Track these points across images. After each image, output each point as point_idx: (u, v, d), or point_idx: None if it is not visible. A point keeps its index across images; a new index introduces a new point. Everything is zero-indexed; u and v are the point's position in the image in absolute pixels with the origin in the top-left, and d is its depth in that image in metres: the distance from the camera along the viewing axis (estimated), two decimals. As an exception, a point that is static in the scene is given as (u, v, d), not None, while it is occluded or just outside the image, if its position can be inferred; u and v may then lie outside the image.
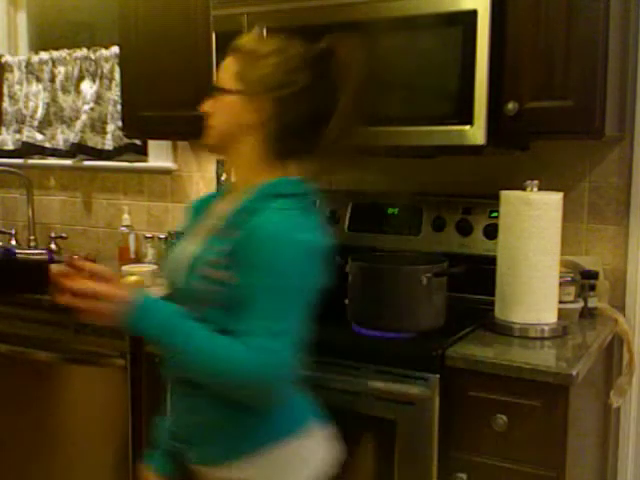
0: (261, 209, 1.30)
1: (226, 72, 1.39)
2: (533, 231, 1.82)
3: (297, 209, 1.32)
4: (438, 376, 1.69)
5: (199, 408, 1.37)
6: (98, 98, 2.97)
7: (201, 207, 1.51)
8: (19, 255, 2.96)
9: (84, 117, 2.98)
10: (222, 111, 1.39)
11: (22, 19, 3.37)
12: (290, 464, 1.37)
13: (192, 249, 1.39)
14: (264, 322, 1.24)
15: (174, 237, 1.63)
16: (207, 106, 1.42)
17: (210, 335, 1.28)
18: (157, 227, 2.95)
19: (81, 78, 3.01)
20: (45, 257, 2.89)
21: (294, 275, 1.27)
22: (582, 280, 2.04)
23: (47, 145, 3.14)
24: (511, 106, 1.84)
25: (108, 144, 2.95)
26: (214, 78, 1.45)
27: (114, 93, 2.90)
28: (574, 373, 1.59)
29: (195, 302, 1.33)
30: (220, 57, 2.15)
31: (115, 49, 2.82)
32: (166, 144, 2.91)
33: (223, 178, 2.76)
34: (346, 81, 1.36)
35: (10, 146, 3.22)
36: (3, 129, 3.25)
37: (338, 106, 1.35)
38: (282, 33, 1.42)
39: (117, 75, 2.84)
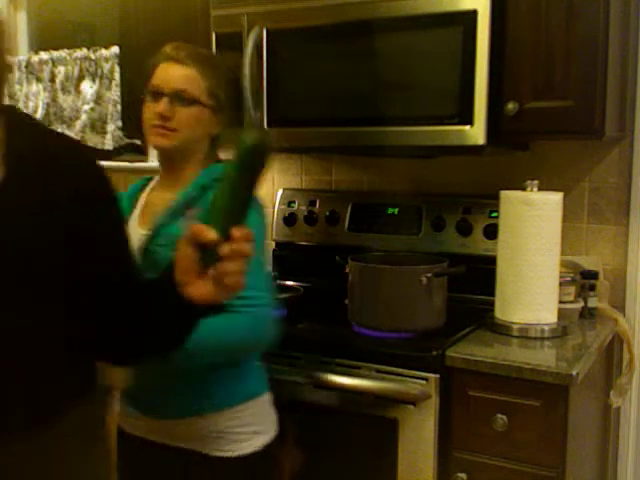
0: (215, 186, 1.41)
1: (193, 84, 1.53)
2: (533, 231, 1.82)
3: None
4: (438, 376, 1.69)
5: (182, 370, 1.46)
6: (98, 98, 2.97)
7: (130, 197, 1.69)
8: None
9: (84, 117, 2.98)
10: (193, 121, 1.53)
11: (22, 19, 3.37)
12: (257, 419, 1.55)
13: (139, 231, 1.54)
14: (260, 293, 1.42)
15: None
16: (180, 112, 1.52)
17: (226, 319, 1.36)
18: (157, 227, 2.95)
19: (81, 78, 3.02)
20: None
21: (262, 245, 1.51)
22: (582, 280, 2.04)
23: (47, 145, 3.14)
24: (511, 106, 1.84)
25: (108, 144, 2.95)
26: (169, 84, 1.52)
27: (114, 93, 2.90)
28: (574, 373, 1.59)
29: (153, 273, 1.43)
30: (221, 57, 2.17)
31: (115, 49, 2.83)
32: (166, 144, 2.91)
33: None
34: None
35: (10, 146, 3.22)
36: (3, 129, 3.25)
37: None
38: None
39: (117, 75, 2.84)
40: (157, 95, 1.53)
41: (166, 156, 1.60)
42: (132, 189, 1.73)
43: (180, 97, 1.51)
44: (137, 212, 1.64)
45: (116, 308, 1.10)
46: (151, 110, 1.53)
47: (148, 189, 1.69)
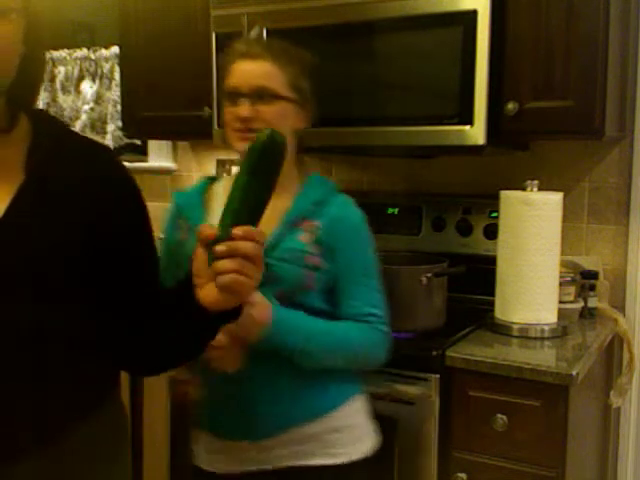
0: (330, 201, 1.47)
1: (273, 79, 1.42)
2: (533, 231, 1.82)
3: (352, 201, 1.51)
4: (438, 376, 1.69)
5: (280, 379, 1.43)
6: (98, 98, 2.97)
7: (192, 204, 1.57)
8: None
9: (84, 117, 2.99)
10: (278, 118, 1.42)
11: (22, 19, 3.37)
12: (358, 424, 1.50)
13: None
14: (375, 309, 1.45)
15: (179, 244, 1.59)
16: (263, 111, 1.41)
17: (344, 328, 1.43)
18: (157, 227, 2.95)
19: (81, 78, 3.02)
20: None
21: (375, 260, 1.48)
22: (582, 280, 2.04)
23: (47, 145, 3.14)
24: (511, 106, 1.84)
25: (108, 144, 2.95)
26: (247, 83, 1.42)
27: (114, 93, 2.90)
28: (574, 373, 1.59)
29: (274, 287, 1.39)
30: (220, 57, 2.17)
31: (115, 49, 2.83)
32: (166, 144, 2.91)
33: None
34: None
35: (10, 146, 3.23)
36: (3, 129, 3.25)
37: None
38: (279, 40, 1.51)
39: (117, 75, 2.85)
40: (236, 97, 1.42)
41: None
42: (194, 192, 1.59)
43: (260, 95, 1.41)
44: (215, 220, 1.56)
45: (136, 312, 1.09)
46: (232, 113, 1.43)
47: (222, 191, 1.54)
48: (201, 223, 1.47)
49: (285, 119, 1.43)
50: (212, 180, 1.60)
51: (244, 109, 1.40)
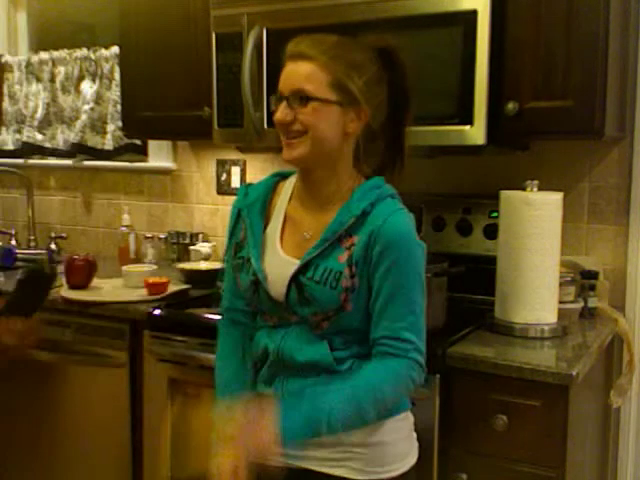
0: (373, 211, 1.35)
1: (312, 80, 1.32)
2: (533, 231, 1.82)
3: (405, 209, 1.39)
4: (438, 376, 1.69)
5: (319, 384, 1.38)
6: (98, 98, 2.97)
7: (262, 202, 1.46)
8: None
9: (84, 117, 2.98)
10: (315, 120, 1.33)
11: (22, 19, 3.37)
12: (401, 438, 1.44)
13: (283, 256, 1.40)
14: (412, 334, 1.33)
15: (238, 245, 1.47)
16: (299, 114, 1.33)
17: (367, 379, 1.33)
18: (157, 227, 2.96)
19: (81, 78, 3.02)
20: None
21: (423, 276, 1.35)
22: (582, 280, 2.04)
23: (47, 145, 3.14)
24: (511, 106, 1.84)
25: (108, 144, 2.95)
26: (288, 86, 1.34)
27: (114, 93, 2.90)
28: (574, 373, 1.59)
29: (311, 308, 1.36)
30: (221, 57, 2.18)
31: (115, 49, 2.83)
32: (166, 144, 2.91)
33: (223, 178, 2.77)
34: (405, 81, 1.42)
35: (10, 146, 3.23)
36: (3, 129, 3.25)
37: (406, 108, 1.43)
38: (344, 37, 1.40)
39: (117, 75, 2.84)
40: (278, 101, 1.36)
41: (303, 171, 1.40)
42: (261, 190, 1.48)
43: (296, 97, 1.33)
44: (276, 227, 1.44)
45: None
46: (275, 118, 1.36)
47: (286, 197, 1.47)
48: (259, 225, 1.43)
49: (325, 122, 1.33)
50: (282, 177, 1.51)
51: (280, 112, 1.34)
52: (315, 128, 1.33)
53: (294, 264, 1.37)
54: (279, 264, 1.40)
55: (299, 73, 1.33)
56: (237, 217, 1.48)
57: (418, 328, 1.34)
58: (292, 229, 1.43)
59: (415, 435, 1.48)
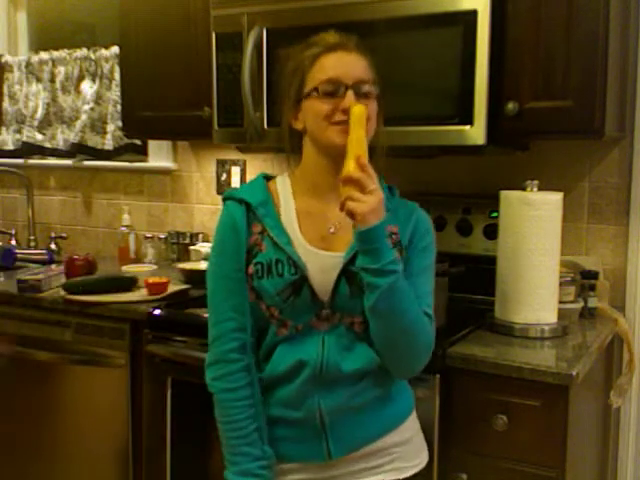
0: (399, 205, 1.46)
1: (369, 73, 1.38)
2: (533, 231, 1.82)
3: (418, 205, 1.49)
4: (438, 376, 1.69)
5: (359, 393, 1.38)
6: (98, 98, 2.97)
7: (268, 208, 1.40)
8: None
9: (84, 117, 2.98)
10: (375, 113, 1.39)
11: (22, 19, 3.37)
12: (418, 429, 1.51)
13: (323, 253, 1.37)
14: (430, 310, 1.39)
15: (248, 252, 1.40)
16: (370, 109, 1.35)
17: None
18: (157, 227, 2.96)
19: (81, 78, 3.02)
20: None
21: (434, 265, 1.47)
22: (582, 280, 2.04)
23: (47, 145, 3.14)
24: (511, 106, 1.84)
25: (108, 144, 2.95)
26: (349, 75, 1.35)
27: (114, 93, 2.90)
28: (574, 373, 1.59)
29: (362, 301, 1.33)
30: (221, 57, 2.18)
31: (115, 49, 2.83)
32: (166, 144, 2.91)
33: (223, 178, 2.76)
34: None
35: (10, 146, 3.23)
36: (3, 129, 3.25)
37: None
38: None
39: (117, 75, 2.84)
40: (337, 88, 1.34)
41: (337, 160, 1.34)
42: (262, 190, 1.44)
43: (362, 88, 1.35)
44: (292, 225, 1.40)
45: None
46: (333, 104, 1.33)
47: (287, 195, 1.44)
48: (279, 223, 1.39)
49: (374, 114, 1.38)
50: (267, 179, 1.48)
51: (349, 100, 1.32)
52: (373, 122, 1.37)
53: (336, 257, 1.35)
54: (315, 259, 1.36)
55: (358, 64, 1.37)
56: (246, 219, 1.39)
57: (432, 308, 1.41)
58: (311, 224, 1.40)
59: None
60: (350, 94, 1.33)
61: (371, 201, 1.23)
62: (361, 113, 1.30)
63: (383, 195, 1.27)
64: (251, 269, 1.37)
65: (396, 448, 1.42)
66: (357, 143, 1.28)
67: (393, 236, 1.37)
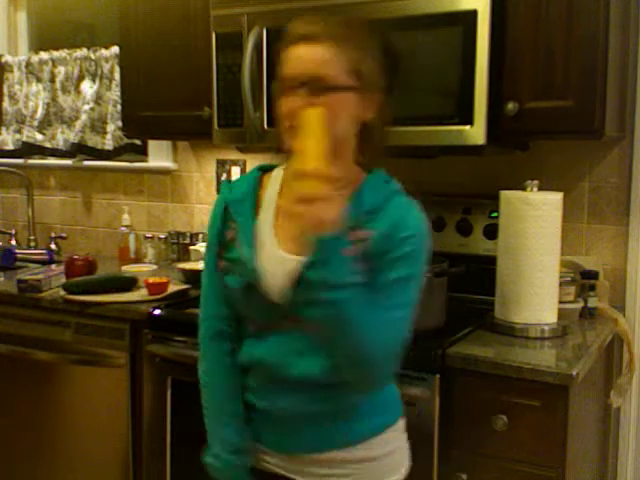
0: (388, 206, 1.31)
1: (331, 66, 1.24)
2: (533, 231, 1.82)
3: (415, 204, 1.34)
4: (438, 376, 1.69)
5: (317, 400, 1.33)
6: (98, 98, 2.97)
7: (243, 207, 1.37)
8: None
9: (84, 117, 2.98)
10: (337, 111, 1.24)
11: (22, 19, 3.37)
12: (398, 447, 1.42)
13: (279, 253, 1.31)
14: (406, 311, 1.26)
15: (225, 245, 1.39)
16: (320, 103, 1.21)
17: (371, 306, 1.22)
18: (157, 227, 2.96)
19: (81, 78, 3.01)
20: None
21: (424, 267, 1.31)
22: (582, 280, 2.04)
23: (47, 145, 3.14)
24: (511, 106, 1.84)
25: (108, 144, 2.95)
26: (303, 71, 1.24)
27: (114, 93, 2.90)
28: (574, 373, 1.59)
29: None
30: (221, 57, 2.18)
31: (115, 49, 2.83)
32: (166, 144, 2.91)
33: (223, 178, 2.76)
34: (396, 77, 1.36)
35: (10, 146, 3.23)
36: (3, 129, 3.25)
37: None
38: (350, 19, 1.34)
39: (117, 75, 2.84)
40: (290, 88, 1.25)
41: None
42: (247, 185, 1.40)
43: (317, 86, 1.23)
44: (268, 222, 1.35)
45: None
46: (285, 105, 1.26)
47: (274, 190, 1.39)
48: (250, 222, 1.34)
49: (344, 110, 1.26)
50: (265, 170, 1.43)
51: (298, 101, 1.22)
52: (334, 120, 1.23)
53: (295, 261, 1.26)
54: (277, 262, 1.30)
55: (315, 58, 1.24)
56: (223, 214, 1.38)
57: (408, 320, 1.27)
58: (287, 224, 1.32)
59: (407, 444, 1.45)
60: (298, 96, 1.23)
61: (326, 213, 1.12)
62: (310, 119, 1.18)
63: (343, 206, 1.15)
64: (222, 263, 1.38)
65: (358, 465, 1.35)
66: (309, 155, 1.14)
67: (360, 243, 1.24)
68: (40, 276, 2.37)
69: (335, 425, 1.35)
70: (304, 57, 1.25)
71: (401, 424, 1.43)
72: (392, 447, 1.40)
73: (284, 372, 1.32)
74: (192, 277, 2.41)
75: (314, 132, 1.17)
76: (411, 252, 1.27)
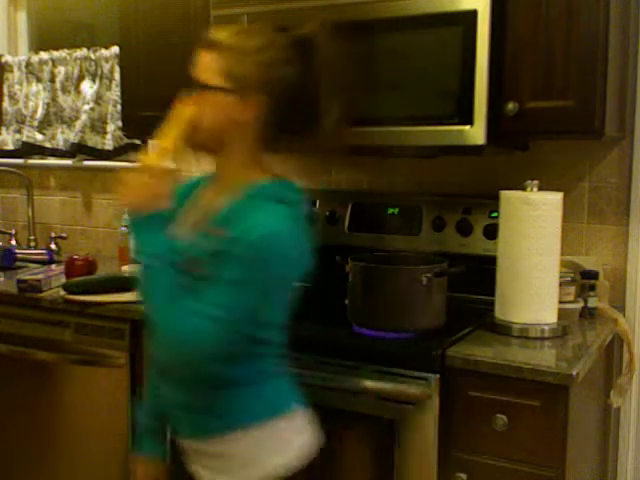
0: (252, 212, 1.33)
1: (208, 69, 1.38)
2: (533, 231, 1.82)
3: (288, 216, 1.34)
4: (438, 376, 1.69)
5: (184, 388, 1.42)
6: (98, 98, 2.97)
7: (186, 194, 1.52)
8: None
9: (84, 117, 2.98)
10: (206, 108, 1.38)
11: (22, 19, 3.37)
12: (275, 443, 1.41)
13: (184, 233, 1.44)
14: (222, 312, 1.29)
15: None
16: (192, 102, 1.39)
17: (179, 294, 1.31)
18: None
19: (81, 78, 3.01)
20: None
21: (267, 277, 1.31)
22: (582, 280, 2.04)
23: (47, 145, 3.14)
24: (511, 106, 1.84)
25: (108, 144, 2.95)
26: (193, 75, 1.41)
27: (114, 93, 2.90)
28: (574, 373, 1.59)
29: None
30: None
31: (115, 49, 2.83)
32: (166, 144, 2.91)
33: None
34: (328, 73, 1.39)
35: (10, 146, 3.22)
36: (3, 129, 3.25)
37: (323, 101, 1.38)
38: (259, 24, 1.45)
39: (117, 75, 2.84)
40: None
41: (208, 157, 1.46)
42: (189, 184, 1.55)
43: (199, 87, 1.39)
44: (186, 210, 1.49)
45: None
46: None
47: (199, 192, 1.53)
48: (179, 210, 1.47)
49: (213, 109, 1.37)
50: (206, 179, 1.55)
51: (181, 101, 1.41)
52: (204, 117, 1.38)
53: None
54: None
55: (200, 63, 1.40)
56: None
57: (223, 320, 1.28)
58: (196, 211, 1.46)
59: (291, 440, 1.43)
60: (179, 99, 1.39)
61: (138, 191, 1.39)
62: (178, 114, 1.41)
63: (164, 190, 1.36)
64: None
65: (218, 459, 1.40)
66: (160, 144, 1.44)
67: (213, 239, 1.33)
68: (40, 276, 2.37)
69: (196, 416, 1.41)
70: (197, 62, 1.41)
71: (280, 422, 1.41)
72: (257, 443, 1.39)
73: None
74: (192, 277, 2.41)
75: (176, 126, 1.41)
76: (249, 258, 1.28)
